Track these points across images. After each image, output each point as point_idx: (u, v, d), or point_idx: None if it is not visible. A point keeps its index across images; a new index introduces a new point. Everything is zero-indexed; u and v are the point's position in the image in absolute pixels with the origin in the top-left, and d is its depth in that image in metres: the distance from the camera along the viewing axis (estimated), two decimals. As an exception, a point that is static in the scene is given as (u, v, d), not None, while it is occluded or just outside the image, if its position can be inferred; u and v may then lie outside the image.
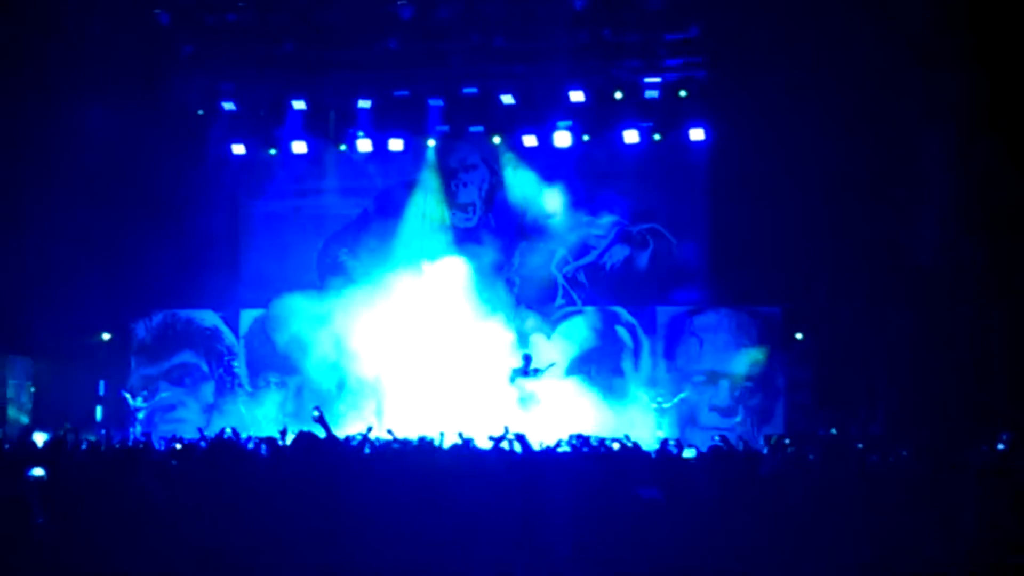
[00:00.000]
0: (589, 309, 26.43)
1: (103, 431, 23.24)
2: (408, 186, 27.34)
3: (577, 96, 25.64)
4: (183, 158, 26.87)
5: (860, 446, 16.23)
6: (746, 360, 25.16)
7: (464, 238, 27.07)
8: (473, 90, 26.36)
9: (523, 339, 25.69)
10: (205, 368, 27.46)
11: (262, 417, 25.94)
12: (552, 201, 26.47)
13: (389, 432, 14.23)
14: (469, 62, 25.82)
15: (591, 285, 26.76)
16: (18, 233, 24.77)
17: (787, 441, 18.30)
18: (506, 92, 25.99)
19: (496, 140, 26.94)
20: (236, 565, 10.40)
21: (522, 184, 26.65)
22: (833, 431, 21.93)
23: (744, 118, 24.68)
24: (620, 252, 26.65)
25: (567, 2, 24.08)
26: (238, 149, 27.55)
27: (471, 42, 25.24)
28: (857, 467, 12.37)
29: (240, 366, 27.34)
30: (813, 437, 20.19)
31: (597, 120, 26.12)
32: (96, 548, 10.32)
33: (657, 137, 26.12)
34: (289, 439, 12.77)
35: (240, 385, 27.17)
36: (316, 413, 13.32)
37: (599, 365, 25.89)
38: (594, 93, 25.81)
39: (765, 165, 24.07)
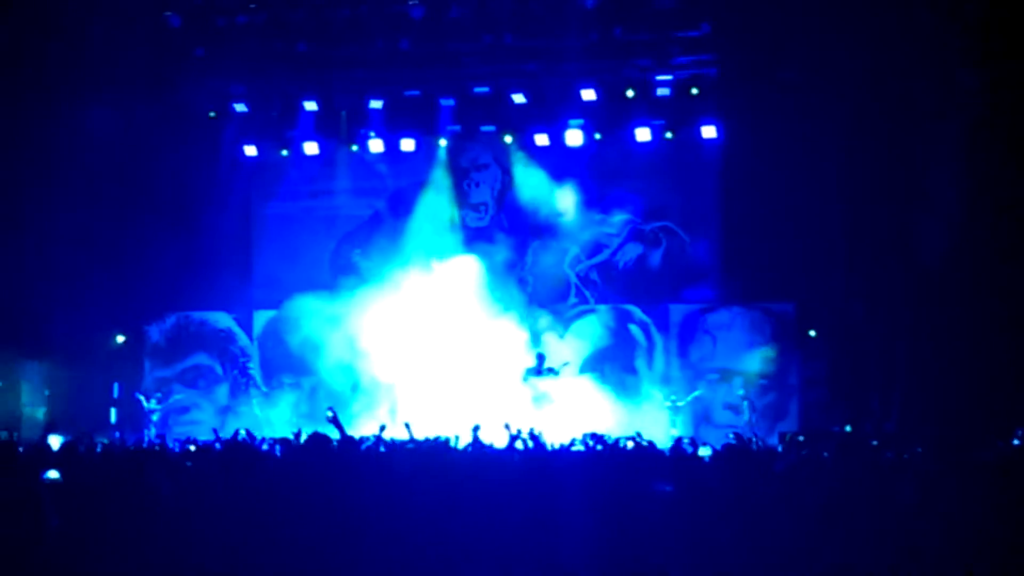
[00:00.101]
0: (602, 308, 26.42)
1: (117, 434, 23.32)
2: (420, 186, 27.31)
3: (589, 95, 25.61)
4: (195, 160, 26.89)
5: (874, 443, 16.21)
6: (760, 358, 25.12)
7: (476, 237, 27.07)
8: (485, 89, 26.35)
9: (536, 338, 25.69)
10: (219, 370, 27.49)
11: (276, 418, 25.95)
12: (564, 200, 26.43)
13: (406, 425, 14.19)
14: (480, 61, 25.79)
15: (604, 283, 26.74)
16: (31, 238, 24.82)
17: (801, 439, 18.31)
18: (517, 91, 25.97)
19: (508, 139, 26.91)
20: (250, 566, 10.42)
21: (534, 183, 26.60)
22: (847, 428, 21.91)
23: (756, 115, 24.66)
24: (633, 250, 26.63)
25: (578, 1, 24.04)
26: (250, 151, 27.56)
27: (482, 41, 25.19)
28: (871, 464, 12.34)
29: (254, 367, 27.36)
30: (827, 434, 20.16)
31: (609, 118, 26.08)
32: (110, 550, 10.35)
33: (669, 135, 26.07)
34: (303, 440, 12.78)
35: (255, 386, 27.18)
36: (330, 414, 13.34)
37: (612, 364, 25.88)
38: (605, 91, 25.77)
39: (777, 162, 24.07)
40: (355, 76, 26.44)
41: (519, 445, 13.11)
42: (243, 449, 13.36)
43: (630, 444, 13.22)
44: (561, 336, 26.05)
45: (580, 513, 10.73)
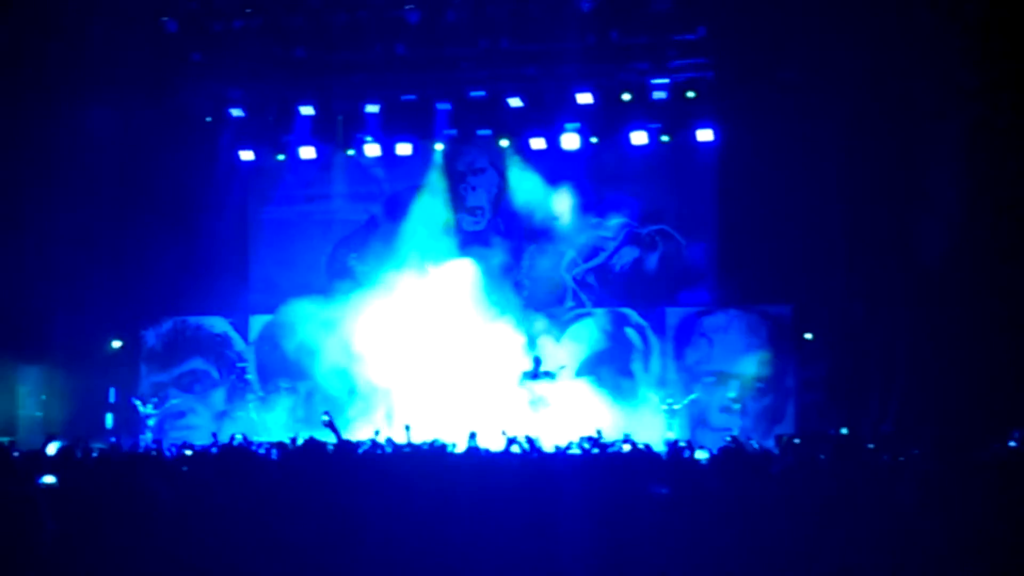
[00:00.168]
0: (599, 311, 26.45)
1: (113, 438, 23.31)
2: (417, 190, 27.33)
3: (585, 98, 25.63)
4: (192, 165, 26.93)
5: (871, 445, 16.20)
6: (756, 360, 25.13)
7: (473, 241, 27.10)
8: (481, 93, 26.38)
9: (532, 342, 25.70)
10: (215, 374, 27.49)
11: (272, 423, 25.96)
12: (560, 203, 26.46)
13: (406, 428, 14.20)
14: (477, 66, 25.83)
15: (600, 287, 26.75)
16: (27, 242, 24.80)
17: (797, 441, 18.32)
18: (514, 95, 26.00)
19: (504, 143, 26.93)
20: (247, 570, 10.40)
21: (530, 187, 26.63)
22: (844, 431, 21.91)
23: (752, 118, 24.70)
24: (629, 254, 26.64)
25: (574, 4, 24.06)
26: (246, 155, 27.59)
27: (478, 46, 25.22)
28: (868, 466, 12.33)
29: (251, 372, 27.35)
30: (824, 437, 20.16)
31: (605, 122, 26.11)
32: (106, 555, 10.33)
33: (665, 138, 26.08)
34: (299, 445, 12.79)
35: (251, 391, 27.18)
36: (325, 418, 13.35)
37: (609, 367, 25.90)
38: (602, 95, 25.81)
39: (773, 165, 24.10)
40: (351, 80, 26.49)
41: (515, 449, 13.12)
42: (239, 454, 13.35)
43: (626, 447, 13.24)
44: (557, 339, 26.06)
45: (577, 516, 10.71)
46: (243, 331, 27.53)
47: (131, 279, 26.23)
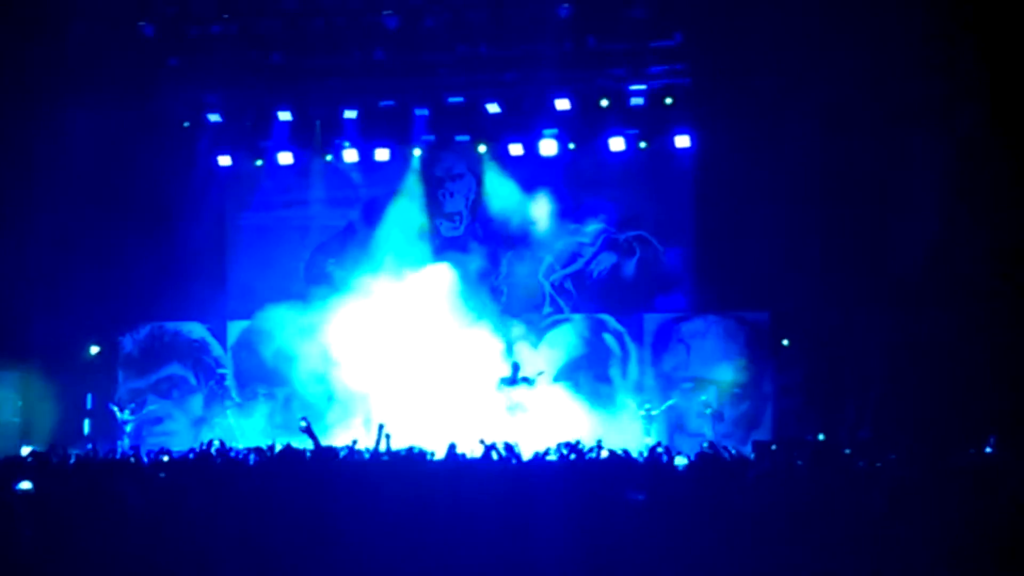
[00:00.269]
0: (577, 317, 26.47)
1: (90, 445, 23.20)
2: (395, 196, 27.31)
3: (563, 104, 25.68)
4: (169, 170, 26.81)
5: (848, 451, 16.25)
6: (734, 366, 25.18)
7: (450, 247, 27.09)
8: (459, 99, 26.37)
9: (511, 348, 25.70)
10: (193, 380, 27.41)
11: (250, 429, 25.89)
12: (538, 209, 26.47)
13: (379, 427, 14.16)
14: (454, 71, 25.84)
15: (578, 293, 26.76)
16: (4, 246, 24.69)
17: (773, 447, 18.36)
18: (492, 101, 26.02)
19: (482, 149, 26.95)
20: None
21: (508, 193, 26.64)
22: (821, 436, 21.97)
23: (729, 124, 24.75)
24: (607, 260, 26.66)
25: (552, 11, 24.08)
26: (224, 160, 27.52)
27: (456, 51, 25.22)
28: (845, 472, 12.37)
29: (229, 378, 27.28)
30: (801, 442, 20.22)
31: (583, 128, 26.15)
32: (83, 561, 10.30)
33: (643, 144, 26.13)
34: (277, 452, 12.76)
35: (229, 397, 27.10)
36: (303, 424, 13.31)
37: (587, 373, 25.92)
38: (580, 101, 25.85)
39: (751, 171, 24.12)
40: (329, 86, 26.45)
41: (494, 455, 13.10)
42: (216, 460, 13.32)
43: (604, 453, 13.23)
44: (535, 346, 26.06)
45: (555, 522, 10.72)
46: (221, 337, 27.45)
47: (108, 284, 26.10)
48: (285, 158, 27.22)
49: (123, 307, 26.97)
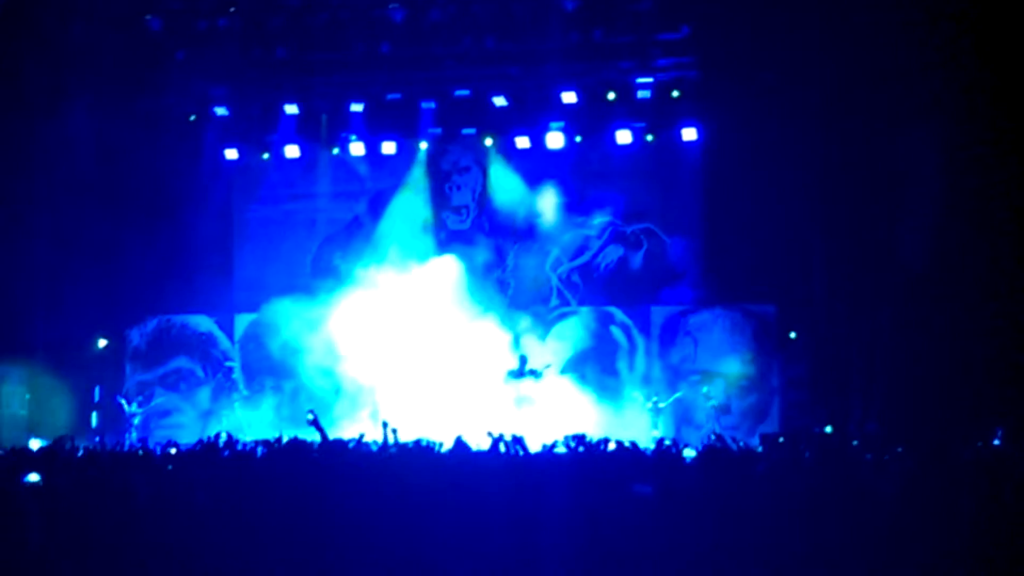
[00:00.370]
0: (584, 310, 26.45)
1: (98, 438, 23.25)
2: (401, 189, 27.32)
3: (569, 97, 25.64)
4: (176, 163, 26.83)
5: (855, 443, 16.22)
6: (741, 359, 25.17)
7: (457, 240, 27.09)
8: (465, 92, 26.35)
9: (518, 340, 25.69)
10: (200, 373, 27.43)
11: (258, 422, 25.89)
12: (545, 202, 26.48)
13: (384, 424, 14.16)
14: (461, 64, 25.81)
15: (585, 286, 26.74)
16: (11, 240, 24.72)
17: (782, 440, 18.32)
18: (498, 94, 26.01)
19: (488, 142, 26.94)
20: (233, 569, 10.40)
21: (515, 186, 26.65)
22: (828, 429, 21.93)
23: (736, 117, 24.70)
24: (614, 252, 26.64)
25: (558, 4, 24.10)
26: (231, 154, 27.53)
27: (463, 44, 25.22)
28: (852, 465, 12.35)
29: (236, 371, 27.30)
30: (808, 435, 20.18)
31: (589, 121, 26.13)
32: (91, 554, 10.33)
33: (650, 137, 26.11)
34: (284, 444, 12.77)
35: (236, 390, 27.12)
36: (310, 417, 13.32)
37: (594, 365, 25.90)
38: (586, 94, 25.83)
39: (758, 164, 24.09)
40: (336, 79, 26.44)
41: (502, 448, 13.10)
42: (224, 453, 13.33)
43: (612, 446, 13.23)
44: (542, 338, 26.04)
45: (562, 515, 10.72)
46: (228, 330, 27.48)
47: (116, 277, 26.14)
48: (292, 151, 27.23)
49: (130, 300, 27.00)
